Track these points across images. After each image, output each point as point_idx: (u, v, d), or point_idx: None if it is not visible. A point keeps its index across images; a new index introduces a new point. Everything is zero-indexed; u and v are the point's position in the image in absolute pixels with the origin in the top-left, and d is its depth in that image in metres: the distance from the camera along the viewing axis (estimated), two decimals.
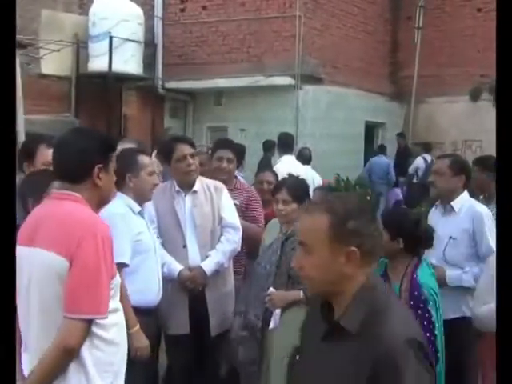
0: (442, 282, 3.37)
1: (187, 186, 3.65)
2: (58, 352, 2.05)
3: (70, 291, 2.04)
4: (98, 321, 2.08)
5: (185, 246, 3.59)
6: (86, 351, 2.09)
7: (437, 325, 2.87)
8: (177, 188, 3.61)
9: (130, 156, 3.36)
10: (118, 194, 3.31)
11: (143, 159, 3.35)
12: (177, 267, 3.52)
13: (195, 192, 3.67)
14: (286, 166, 6.27)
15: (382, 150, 12.00)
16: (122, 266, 3.09)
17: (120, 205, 3.26)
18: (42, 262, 2.11)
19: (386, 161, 11.55)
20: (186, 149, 3.62)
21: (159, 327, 3.57)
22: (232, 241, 3.68)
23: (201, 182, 3.71)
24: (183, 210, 3.62)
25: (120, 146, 3.35)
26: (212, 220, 3.66)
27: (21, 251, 2.18)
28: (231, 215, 3.74)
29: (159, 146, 3.91)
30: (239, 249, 3.76)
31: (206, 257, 3.60)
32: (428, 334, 2.85)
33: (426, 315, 2.88)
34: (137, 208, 3.30)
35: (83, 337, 2.05)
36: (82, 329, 2.04)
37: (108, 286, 2.10)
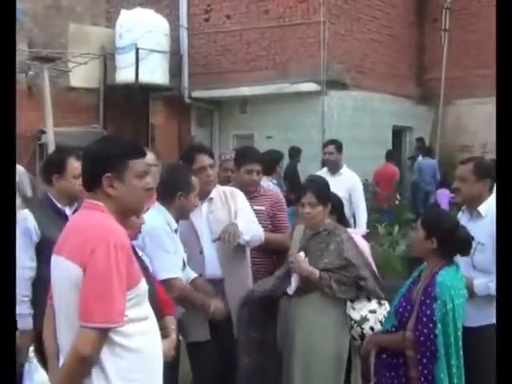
0: (470, 293, 3.35)
1: (204, 195, 3.68)
2: (72, 361, 2.07)
3: (82, 299, 2.05)
4: (119, 329, 2.08)
5: (201, 253, 3.61)
6: (107, 359, 2.09)
7: (439, 325, 2.85)
8: None
9: (185, 175, 3.37)
10: (157, 206, 3.33)
11: (195, 180, 3.38)
12: (191, 276, 3.52)
13: (211, 199, 3.71)
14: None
15: (428, 151, 12.25)
16: (174, 280, 3.18)
17: (161, 219, 3.28)
18: (63, 271, 2.14)
19: (434, 162, 11.89)
20: (206, 160, 3.66)
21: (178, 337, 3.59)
22: (257, 229, 3.74)
23: (217, 189, 3.74)
24: (199, 217, 3.64)
25: None
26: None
27: (52, 259, 2.23)
28: (246, 220, 3.73)
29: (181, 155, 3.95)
30: (261, 240, 3.78)
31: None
32: (426, 331, 2.87)
33: (428, 312, 2.87)
34: (174, 225, 3.32)
35: (97, 345, 2.05)
36: (95, 337, 2.03)
37: (122, 294, 2.08)
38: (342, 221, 3.90)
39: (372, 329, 3.41)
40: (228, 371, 3.65)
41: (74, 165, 3.42)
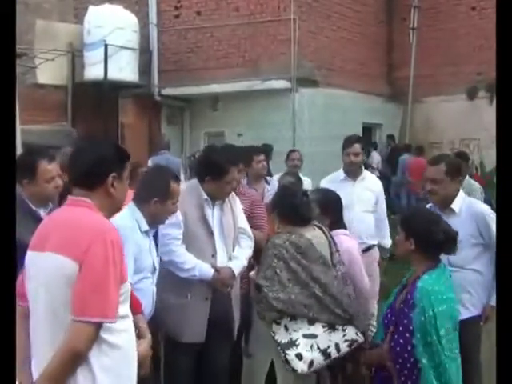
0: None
1: (217, 199, 3.68)
2: (65, 355, 2.05)
3: (78, 294, 2.06)
4: (107, 326, 2.09)
5: (213, 256, 3.59)
6: (94, 357, 2.09)
7: (417, 334, 2.68)
8: (205, 196, 3.58)
9: (164, 180, 3.25)
10: (131, 205, 3.24)
11: (175, 187, 3.26)
12: (210, 269, 3.52)
13: (222, 202, 3.69)
14: None
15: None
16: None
17: (129, 218, 3.20)
18: (52, 265, 2.12)
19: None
20: (236, 173, 3.68)
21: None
22: (249, 247, 3.77)
23: None
24: (213, 220, 3.62)
25: None
26: (233, 229, 3.71)
27: (30, 256, 2.21)
28: (246, 223, 3.83)
29: (206, 159, 3.75)
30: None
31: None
32: (402, 341, 2.76)
33: (405, 321, 2.76)
34: (144, 227, 3.22)
35: (91, 340, 2.06)
36: (90, 332, 2.04)
37: (117, 290, 2.11)
38: (338, 224, 3.76)
39: (299, 356, 3.04)
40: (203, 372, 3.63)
41: (47, 168, 3.23)
